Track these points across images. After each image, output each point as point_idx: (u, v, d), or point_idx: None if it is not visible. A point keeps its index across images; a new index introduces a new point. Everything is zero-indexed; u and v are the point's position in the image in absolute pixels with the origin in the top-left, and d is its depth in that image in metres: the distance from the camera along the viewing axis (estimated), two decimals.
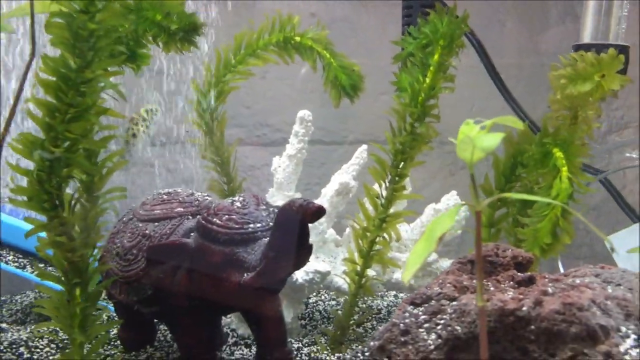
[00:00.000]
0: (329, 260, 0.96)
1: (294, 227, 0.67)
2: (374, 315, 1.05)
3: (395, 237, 0.86)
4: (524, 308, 0.59)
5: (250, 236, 0.71)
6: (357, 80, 0.99)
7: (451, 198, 1.03)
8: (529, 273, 0.70)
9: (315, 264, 0.91)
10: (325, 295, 1.13)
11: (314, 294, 1.12)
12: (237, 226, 0.71)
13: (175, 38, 0.82)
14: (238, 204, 0.73)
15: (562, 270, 1.02)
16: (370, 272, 0.91)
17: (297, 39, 1.03)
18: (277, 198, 0.98)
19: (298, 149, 0.98)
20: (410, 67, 0.84)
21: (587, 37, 1.04)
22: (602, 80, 0.79)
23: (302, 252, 0.70)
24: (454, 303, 0.64)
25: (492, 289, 0.68)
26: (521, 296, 0.63)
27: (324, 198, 0.97)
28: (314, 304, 1.09)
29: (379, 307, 1.08)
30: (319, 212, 0.65)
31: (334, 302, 1.10)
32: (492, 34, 1.52)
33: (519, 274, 0.70)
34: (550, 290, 0.62)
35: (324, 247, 0.97)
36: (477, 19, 1.52)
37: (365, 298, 1.07)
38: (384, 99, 1.49)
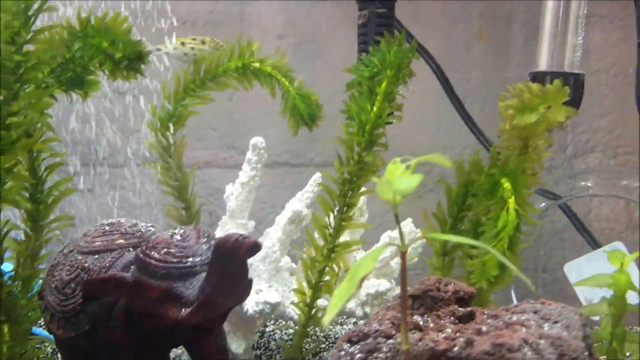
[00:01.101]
0: (282, 289, 0.94)
1: (230, 263, 0.65)
2: (331, 345, 1.03)
3: (344, 267, 0.85)
4: (455, 349, 0.58)
5: (189, 270, 0.70)
6: (315, 109, 0.99)
7: (406, 225, 1.03)
8: (469, 308, 0.69)
9: (265, 294, 0.90)
10: (284, 323, 1.12)
11: (272, 322, 1.10)
12: (175, 260, 0.70)
13: (120, 66, 0.81)
14: (178, 237, 0.72)
15: (514, 301, 1.02)
16: (322, 303, 0.90)
17: (256, 65, 1.03)
18: (230, 226, 0.97)
19: (251, 176, 0.98)
20: (358, 96, 0.83)
21: (543, 65, 1.05)
22: (547, 112, 0.79)
23: (241, 287, 0.69)
24: (390, 341, 0.63)
25: (431, 325, 0.67)
26: (457, 334, 0.62)
27: (278, 226, 0.96)
28: (271, 333, 1.07)
29: (337, 335, 1.07)
30: (254, 248, 0.64)
31: (292, 331, 1.09)
32: (458, 58, 1.53)
33: (460, 309, 0.69)
34: (484, 328, 0.61)
35: (277, 276, 0.96)
36: (444, 42, 1.54)
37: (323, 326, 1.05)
38: None
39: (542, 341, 0.58)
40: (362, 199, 1.04)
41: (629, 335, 0.77)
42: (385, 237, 1.03)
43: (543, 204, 1.04)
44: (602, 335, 0.78)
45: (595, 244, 1.20)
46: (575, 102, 1.04)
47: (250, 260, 0.97)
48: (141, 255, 0.71)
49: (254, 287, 0.94)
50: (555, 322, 0.63)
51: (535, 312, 0.65)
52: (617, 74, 1.53)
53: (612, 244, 1.09)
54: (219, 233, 0.98)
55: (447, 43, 1.53)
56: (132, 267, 0.73)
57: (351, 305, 0.96)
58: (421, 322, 0.66)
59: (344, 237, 0.97)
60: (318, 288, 0.86)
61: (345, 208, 0.84)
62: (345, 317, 1.10)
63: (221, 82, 1.05)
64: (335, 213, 0.85)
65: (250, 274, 0.97)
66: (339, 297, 0.50)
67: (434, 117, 1.53)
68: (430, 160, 0.53)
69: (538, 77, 1.03)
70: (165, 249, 0.71)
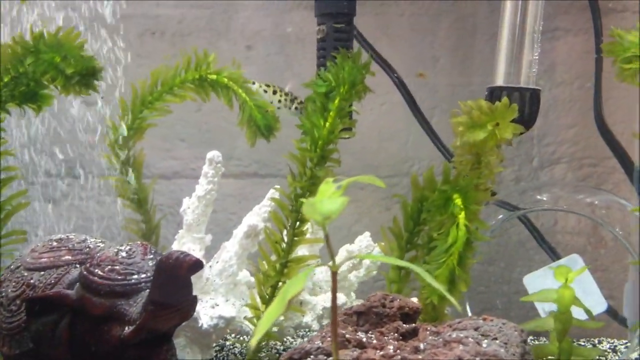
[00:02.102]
0: (240, 303, 0.94)
1: (172, 280, 0.65)
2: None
3: None
4: None
5: (133, 288, 0.70)
6: (271, 121, 0.99)
7: (364, 239, 1.03)
8: (414, 325, 0.70)
9: (220, 309, 0.89)
10: (245, 337, 1.11)
11: (233, 335, 1.10)
12: (119, 277, 0.69)
13: (72, 82, 0.81)
14: (123, 253, 0.72)
15: (469, 314, 1.02)
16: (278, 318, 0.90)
17: (213, 76, 1.03)
18: (186, 240, 0.97)
19: (207, 190, 0.97)
20: (311, 111, 0.84)
21: (499, 80, 1.06)
22: (495, 129, 0.80)
23: (185, 304, 0.68)
24: (331, 359, 0.63)
25: (374, 342, 0.67)
26: (396, 351, 0.62)
27: (235, 239, 0.96)
28: (231, 347, 1.07)
29: None
30: (196, 265, 0.64)
31: None
32: (426, 69, 1.54)
33: (404, 325, 0.70)
34: (422, 346, 0.62)
35: (235, 290, 0.96)
36: (412, 55, 1.55)
37: (284, 339, 1.05)
38: None
39: (478, 359, 0.59)
40: None
41: (576, 349, 0.78)
42: (343, 251, 1.03)
43: (501, 216, 1.04)
44: (550, 350, 0.79)
45: (555, 256, 1.21)
46: (531, 116, 1.05)
47: (207, 274, 0.97)
48: (85, 272, 0.71)
49: (211, 302, 0.94)
50: (494, 338, 0.64)
51: (476, 329, 0.66)
52: (581, 86, 1.55)
53: (570, 257, 1.11)
54: (175, 247, 0.98)
55: (415, 56, 1.54)
56: (77, 284, 0.73)
57: (307, 319, 0.96)
58: (364, 339, 0.67)
59: (302, 252, 0.97)
60: (271, 303, 0.85)
61: (298, 223, 0.84)
62: (307, 330, 1.10)
63: (179, 94, 1.04)
64: (288, 228, 0.85)
65: (207, 288, 0.97)
66: (268, 317, 0.50)
67: (402, 129, 1.54)
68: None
69: (495, 92, 1.05)
70: (109, 266, 0.70)
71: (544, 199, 1.03)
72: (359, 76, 0.82)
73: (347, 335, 0.66)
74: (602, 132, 1.19)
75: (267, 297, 0.85)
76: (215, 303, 0.92)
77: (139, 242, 0.75)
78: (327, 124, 0.82)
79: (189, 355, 0.92)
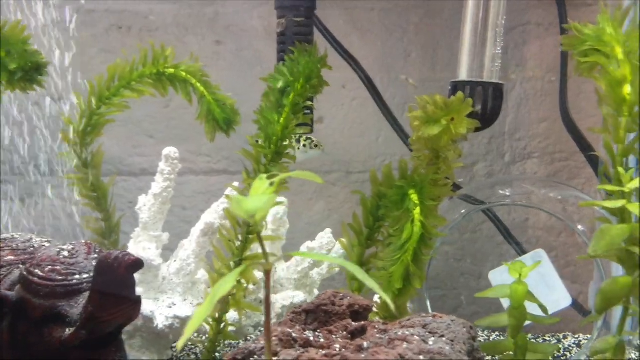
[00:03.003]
0: (198, 302, 0.92)
1: (112, 281, 0.63)
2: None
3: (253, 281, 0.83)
4: None
5: (75, 288, 0.68)
6: (230, 115, 0.97)
7: (325, 236, 1.02)
8: (363, 322, 0.69)
9: (176, 308, 0.87)
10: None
11: (195, 335, 1.08)
12: (60, 278, 0.67)
13: (15, 77, 0.78)
14: (65, 253, 0.70)
15: (429, 310, 1.02)
16: (235, 316, 0.88)
17: (171, 71, 1.01)
18: (143, 238, 0.95)
19: (164, 187, 0.95)
20: (265, 107, 0.82)
21: (463, 75, 1.05)
22: (451, 124, 0.78)
23: (128, 305, 0.67)
24: (275, 359, 0.62)
25: (321, 340, 0.66)
26: (341, 350, 0.61)
27: (192, 237, 0.94)
28: (191, 347, 1.05)
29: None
30: (135, 265, 0.62)
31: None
32: (396, 64, 1.53)
33: (353, 323, 0.68)
34: (365, 345, 0.60)
35: (193, 289, 0.94)
36: (383, 50, 1.54)
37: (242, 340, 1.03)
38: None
39: (421, 357, 0.58)
40: (282, 209, 1.03)
41: (532, 345, 0.77)
42: (304, 248, 1.02)
43: (463, 210, 1.04)
44: (506, 346, 0.78)
45: (521, 251, 1.20)
46: (495, 111, 1.04)
47: (164, 273, 0.95)
48: (25, 273, 0.68)
49: (168, 301, 0.92)
50: (442, 336, 0.63)
51: (424, 327, 0.65)
52: (552, 81, 1.55)
53: (535, 252, 1.10)
54: (132, 245, 0.96)
55: (386, 50, 1.53)
56: (18, 285, 0.71)
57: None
58: (312, 338, 0.65)
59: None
60: (226, 302, 0.84)
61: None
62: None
63: (137, 88, 1.02)
64: (242, 225, 0.83)
65: (164, 288, 0.95)
66: (198, 317, 0.48)
67: (374, 125, 1.52)
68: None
69: (458, 87, 1.04)
70: (50, 266, 0.68)
71: (507, 193, 1.02)
72: (314, 70, 0.81)
73: (293, 335, 0.64)
74: (568, 126, 1.19)
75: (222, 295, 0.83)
76: (173, 302, 0.90)
77: (82, 241, 0.73)
78: (282, 120, 0.80)
79: (146, 357, 0.91)
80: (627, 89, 0.71)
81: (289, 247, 1.15)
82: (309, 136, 1.11)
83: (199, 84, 0.99)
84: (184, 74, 1.00)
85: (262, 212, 0.46)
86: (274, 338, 0.64)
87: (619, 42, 0.73)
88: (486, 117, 1.02)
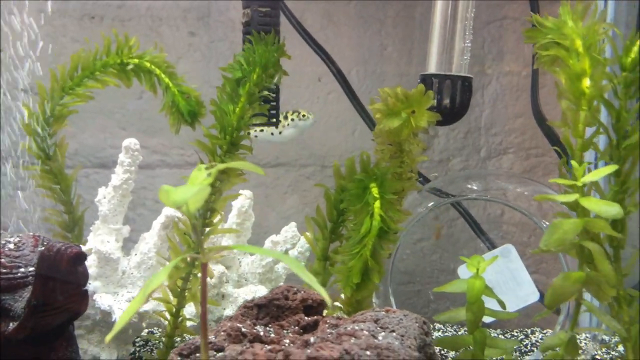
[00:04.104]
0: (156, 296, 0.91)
1: (56, 274, 0.62)
2: None
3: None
4: None
5: (19, 282, 0.66)
6: (195, 107, 0.95)
7: (289, 230, 1.00)
8: (315, 317, 0.68)
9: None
10: None
11: (160, 330, 1.06)
12: (4, 271, 0.66)
13: None
14: (11, 245, 0.68)
15: (393, 305, 1.01)
16: (193, 310, 0.87)
17: (135, 61, 0.99)
18: (102, 231, 0.93)
19: (124, 179, 0.93)
20: (220, 97, 0.80)
21: (432, 68, 1.04)
22: (411, 117, 0.77)
23: (73, 297, 0.65)
24: (220, 355, 0.61)
25: (272, 335, 0.65)
26: (289, 345, 0.60)
27: (153, 231, 0.93)
28: (155, 342, 1.03)
29: None
30: (78, 257, 0.61)
31: (179, 339, 1.05)
32: (373, 58, 1.52)
33: (306, 318, 0.67)
34: (312, 340, 0.59)
35: None
36: (359, 42, 1.53)
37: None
38: None
39: (368, 352, 0.57)
40: (247, 203, 1.01)
41: (491, 340, 0.77)
42: (268, 242, 1.00)
43: (431, 204, 1.03)
44: (466, 341, 0.78)
45: (491, 246, 1.20)
46: (463, 104, 1.03)
47: (124, 267, 0.94)
48: None
49: (127, 295, 0.91)
50: (392, 331, 0.62)
51: (375, 321, 0.64)
52: (529, 75, 1.54)
53: (504, 247, 1.10)
54: (91, 238, 0.94)
55: (362, 43, 1.52)
56: None
57: (229, 312, 0.93)
58: (262, 333, 0.64)
59: (226, 241, 0.94)
60: (182, 296, 0.82)
61: (209, 213, 0.81)
62: None
63: (101, 79, 1.00)
64: (198, 218, 0.82)
65: (124, 282, 0.93)
66: (128, 311, 0.47)
67: (350, 118, 1.51)
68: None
69: (427, 80, 1.03)
70: None
71: (475, 188, 1.01)
72: (270, 59, 0.79)
73: (243, 330, 0.63)
74: (539, 121, 1.18)
75: (179, 289, 0.82)
76: (133, 297, 0.89)
77: (30, 234, 0.71)
78: (237, 110, 0.79)
79: (105, 351, 0.89)
80: (587, 83, 0.71)
81: (261, 241, 1.14)
82: (294, 109, 1.09)
83: (163, 75, 0.97)
84: (148, 64, 0.98)
85: (194, 203, 0.45)
86: (222, 333, 0.62)
87: (579, 36, 0.72)
88: (454, 111, 1.01)
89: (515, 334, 1.17)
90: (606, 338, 1.05)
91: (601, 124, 0.71)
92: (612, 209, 0.62)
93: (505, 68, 1.55)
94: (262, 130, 1.09)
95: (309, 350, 0.56)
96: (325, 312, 0.92)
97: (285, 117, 1.06)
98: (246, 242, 1.02)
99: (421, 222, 1.53)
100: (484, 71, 1.54)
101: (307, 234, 0.93)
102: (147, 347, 1.01)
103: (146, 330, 1.03)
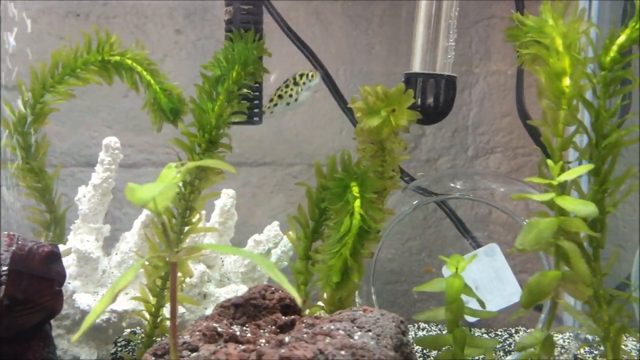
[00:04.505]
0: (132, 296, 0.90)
1: (28, 273, 0.61)
2: None
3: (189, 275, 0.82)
4: None
5: None
6: (177, 104, 0.94)
7: (272, 229, 1.00)
8: (293, 316, 0.67)
9: (115, 303, 0.85)
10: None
11: (140, 330, 1.06)
12: None
13: None
14: None
15: (375, 304, 1.01)
16: (180, 310, 0.86)
17: (117, 58, 0.98)
18: (82, 230, 0.92)
19: (104, 178, 0.93)
20: (199, 95, 0.80)
21: (416, 67, 1.04)
22: (391, 115, 0.77)
23: (47, 297, 0.64)
24: (193, 355, 0.60)
25: (248, 335, 0.64)
26: (264, 345, 0.59)
27: (134, 230, 0.92)
28: (138, 342, 1.02)
29: None
30: (50, 256, 0.60)
31: (160, 340, 1.04)
32: (360, 56, 1.52)
33: (283, 317, 0.67)
34: (287, 339, 0.59)
35: (135, 282, 0.92)
36: (346, 41, 1.52)
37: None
38: None
39: (343, 352, 0.56)
40: (230, 202, 1.01)
41: (471, 339, 0.76)
42: (251, 241, 1.00)
43: (415, 202, 1.03)
44: (446, 340, 0.77)
45: (476, 245, 1.20)
46: (447, 103, 1.03)
47: (104, 266, 0.93)
48: None
49: None
50: (368, 330, 0.61)
51: (352, 321, 0.63)
52: (515, 75, 1.54)
53: (488, 246, 1.10)
54: (71, 238, 0.93)
55: (349, 42, 1.51)
56: None
57: (210, 311, 0.92)
58: (238, 332, 0.64)
59: (208, 240, 0.93)
60: (162, 295, 0.82)
61: (188, 212, 0.81)
62: None
63: (82, 76, 0.99)
64: (177, 217, 0.81)
65: (104, 281, 0.93)
66: (95, 311, 0.47)
67: (337, 117, 1.51)
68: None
69: (410, 79, 1.03)
70: None
71: (459, 187, 1.01)
72: (250, 57, 0.79)
73: (219, 329, 0.63)
74: (524, 120, 1.18)
75: (158, 288, 0.82)
76: None
77: (6, 232, 0.70)
78: (216, 108, 0.78)
79: (84, 351, 0.88)
80: (566, 82, 0.70)
81: (247, 240, 1.13)
82: (298, 73, 1.08)
83: (145, 72, 0.97)
84: (129, 61, 0.97)
85: (162, 202, 0.44)
86: (197, 333, 0.62)
87: (559, 34, 0.72)
88: (438, 110, 1.00)
89: (500, 332, 1.17)
90: (589, 337, 1.05)
91: (580, 123, 0.71)
92: (587, 208, 0.62)
93: (493, 67, 1.55)
94: (275, 105, 1.06)
95: (282, 350, 0.55)
96: (307, 311, 0.92)
97: (296, 83, 1.04)
98: (229, 241, 1.01)
99: (410, 222, 1.53)
100: (472, 70, 1.54)
101: (290, 233, 0.92)
102: (130, 347, 1.00)
103: (129, 330, 1.03)
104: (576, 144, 0.73)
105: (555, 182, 0.66)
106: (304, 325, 0.64)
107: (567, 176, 0.65)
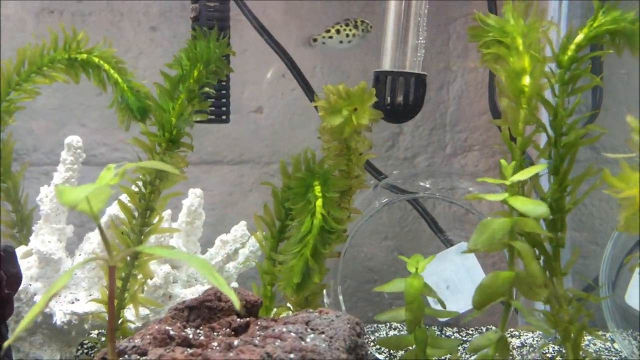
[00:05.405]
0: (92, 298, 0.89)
1: None
2: None
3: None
4: None
5: None
6: (144, 103, 0.93)
7: (239, 229, 0.99)
8: (248, 319, 0.67)
9: (76, 305, 0.84)
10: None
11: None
12: None
13: None
14: None
15: (342, 305, 1.00)
16: (145, 312, 0.86)
17: (84, 56, 0.97)
18: (45, 231, 0.91)
19: (66, 177, 0.91)
20: (159, 94, 0.79)
21: (386, 65, 1.03)
22: (353, 114, 0.76)
23: None
24: (142, 358, 0.59)
25: (201, 338, 0.64)
26: (213, 349, 0.58)
27: (97, 230, 0.91)
28: (96, 344, 1.02)
29: None
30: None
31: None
32: (337, 54, 1.51)
33: (238, 319, 0.66)
34: (236, 342, 0.58)
35: (99, 284, 0.91)
36: None
37: None
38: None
39: (292, 355, 0.56)
40: (197, 201, 1.00)
41: (434, 339, 0.76)
42: (218, 241, 0.99)
43: (385, 200, 1.02)
44: (409, 341, 0.77)
45: (449, 243, 1.20)
46: (417, 101, 1.03)
47: (67, 268, 0.92)
48: None
49: (70, 296, 0.89)
50: (322, 332, 0.61)
51: (307, 323, 0.63)
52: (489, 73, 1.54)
53: (459, 245, 1.10)
54: (33, 239, 0.92)
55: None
56: None
57: None
58: (191, 335, 0.63)
59: (175, 241, 0.93)
60: (122, 297, 0.81)
61: (148, 212, 0.80)
62: None
63: (49, 74, 0.98)
64: (137, 218, 0.80)
65: (67, 282, 0.91)
66: (29, 316, 0.46)
67: (314, 115, 1.49)
68: None
69: (380, 77, 1.02)
70: None
71: (428, 186, 1.01)
72: (212, 55, 0.78)
73: (171, 332, 0.62)
74: (495, 117, 1.18)
75: (118, 290, 0.81)
76: (76, 298, 0.87)
77: None
78: (176, 107, 0.77)
79: (47, 354, 0.87)
80: (526, 80, 0.70)
81: (200, 240, 1.12)
82: (359, 18, 1.07)
83: (112, 71, 0.95)
84: (96, 59, 0.96)
85: (97, 204, 0.44)
86: (148, 336, 0.61)
87: (519, 34, 0.72)
88: (408, 108, 1.00)
89: (471, 332, 1.17)
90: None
91: (539, 122, 0.71)
92: (539, 209, 0.61)
93: (470, 65, 1.55)
94: (330, 38, 1.05)
95: (230, 354, 0.55)
96: (274, 311, 0.92)
97: (356, 26, 1.04)
98: (197, 240, 1.00)
99: (389, 221, 1.53)
100: (449, 68, 1.53)
101: (257, 233, 0.91)
102: (96, 349, 0.99)
103: (97, 332, 1.02)
104: (536, 143, 0.73)
105: (508, 182, 0.66)
106: (257, 327, 0.63)
107: (520, 176, 0.65)
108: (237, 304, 0.45)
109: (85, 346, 0.99)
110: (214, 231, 1.14)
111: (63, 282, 0.45)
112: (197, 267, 0.44)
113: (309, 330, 0.61)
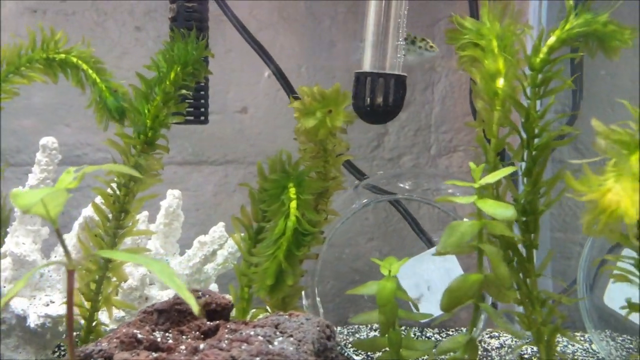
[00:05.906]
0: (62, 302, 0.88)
1: None
2: None
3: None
4: None
5: None
6: (123, 103, 0.93)
7: (217, 230, 0.99)
8: (217, 322, 0.66)
9: (51, 307, 0.84)
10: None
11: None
12: None
13: None
14: None
15: (320, 308, 1.00)
16: (120, 314, 0.85)
17: (62, 56, 0.96)
18: (19, 233, 0.90)
19: (41, 179, 0.91)
20: (135, 95, 0.78)
21: (366, 66, 1.03)
22: (327, 116, 0.76)
23: None
24: None
25: (170, 342, 0.63)
26: (170, 354, 0.58)
27: (73, 232, 0.90)
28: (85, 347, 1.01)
29: None
30: None
31: None
32: (323, 53, 1.51)
33: (208, 322, 0.66)
34: (201, 346, 0.58)
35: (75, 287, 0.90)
36: (309, 38, 1.51)
37: None
38: (213, 118, 1.43)
39: (258, 359, 0.56)
40: (176, 203, 0.99)
41: (408, 341, 0.76)
42: (196, 242, 0.99)
43: (365, 200, 1.02)
44: (382, 343, 0.77)
45: (430, 244, 1.20)
46: (397, 103, 1.03)
47: (43, 270, 0.91)
48: None
49: (45, 299, 0.88)
50: (290, 336, 0.61)
51: (276, 326, 0.63)
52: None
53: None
54: (8, 240, 0.91)
55: (312, 39, 1.50)
56: None
57: None
58: (159, 339, 0.63)
59: (153, 243, 0.92)
60: (96, 300, 0.80)
61: (123, 215, 0.79)
62: None
63: (27, 75, 0.97)
64: (111, 220, 0.80)
65: (42, 285, 0.91)
66: None
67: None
68: None
69: (360, 79, 1.02)
70: None
71: (407, 187, 1.00)
72: (189, 57, 0.77)
73: (139, 336, 0.62)
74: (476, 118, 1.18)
75: (92, 293, 0.80)
76: (51, 300, 0.86)
77: None
78: (152, 109, 0.77)
79: (21, 356, 0.87)
80: (500, 83, 0.70)
81: (178, 241, 1.11)
82: (423, 37, 1.08)
83: (90, 70, 0.95)
84: (74, 59, 0.95)
85: (54, 208, 0.43)
86: (115, 340, 0.61)
87: (495, 36, 0.72)
88: (388, 110, 1.00)
89: (451, 333, 1.17)
90: None
91: (512, 124, 0.70)
92: (507, 212, 0.61)
93: (454, 65, 1.54)
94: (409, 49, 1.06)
95: (195, 358, 0.55)
96: (251, 313, 0.91)
97: (413, 42, 1.04)
98: (175, 242, 1.00)
99: (375, 221, 1.52)
100: (434, 68, 1.54)
101: (235, 235, 0.91)
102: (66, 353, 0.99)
103: (75, 334, 1.01)
104: (510, 145, 0.73)
105: (476, 185, 0.65)
106: (227, 330, 0.63)
107: (489, 179, 0.65)
108: (195, 309, 0.44)
109: (62, 348, 0.98)
110: (198, 232, 1.14)
111: (19, 287, 0.44)
112: (156, 271, 0.44)
113: (277, 333, 0.61)
